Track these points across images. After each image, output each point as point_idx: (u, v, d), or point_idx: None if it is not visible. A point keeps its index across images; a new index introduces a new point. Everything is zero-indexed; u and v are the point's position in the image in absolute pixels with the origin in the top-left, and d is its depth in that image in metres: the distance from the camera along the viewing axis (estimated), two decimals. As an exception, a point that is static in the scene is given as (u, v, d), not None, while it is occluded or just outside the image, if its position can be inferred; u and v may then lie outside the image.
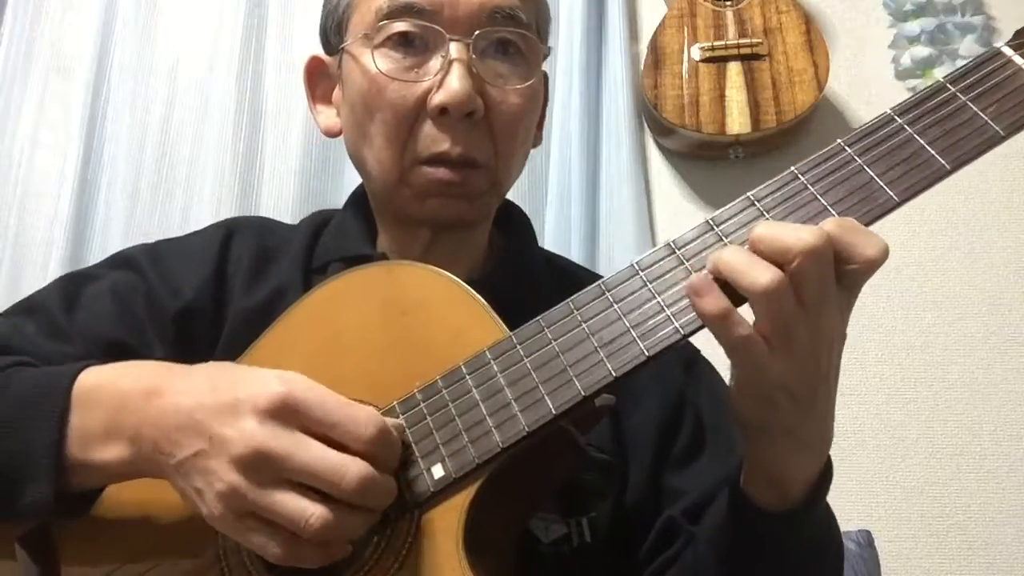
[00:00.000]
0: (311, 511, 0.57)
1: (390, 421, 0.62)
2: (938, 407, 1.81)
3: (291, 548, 0.58)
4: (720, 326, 0.58)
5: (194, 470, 0.59)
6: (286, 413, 0.58)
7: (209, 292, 0.86)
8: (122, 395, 0.64)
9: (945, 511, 1.77)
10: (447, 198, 0.82)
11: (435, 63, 0.80)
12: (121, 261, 0.90)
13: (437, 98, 0.79)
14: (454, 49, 0.79)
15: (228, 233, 0.91)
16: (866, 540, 1.54)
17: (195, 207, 1.87)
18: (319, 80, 0.92)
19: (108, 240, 1.85)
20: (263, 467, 0.57)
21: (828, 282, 0.58)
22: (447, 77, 0.79)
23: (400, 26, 0.81)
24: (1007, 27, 1.95)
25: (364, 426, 0.59)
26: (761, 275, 0.57)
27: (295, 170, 1.86)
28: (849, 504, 1.76)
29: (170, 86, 1.95)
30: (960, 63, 2.03)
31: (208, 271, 0.87)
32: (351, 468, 0.57)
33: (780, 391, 0.60)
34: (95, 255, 1.81)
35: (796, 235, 0.57)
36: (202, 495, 0.59)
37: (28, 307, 0.85)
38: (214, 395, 0.60)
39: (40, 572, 0.70)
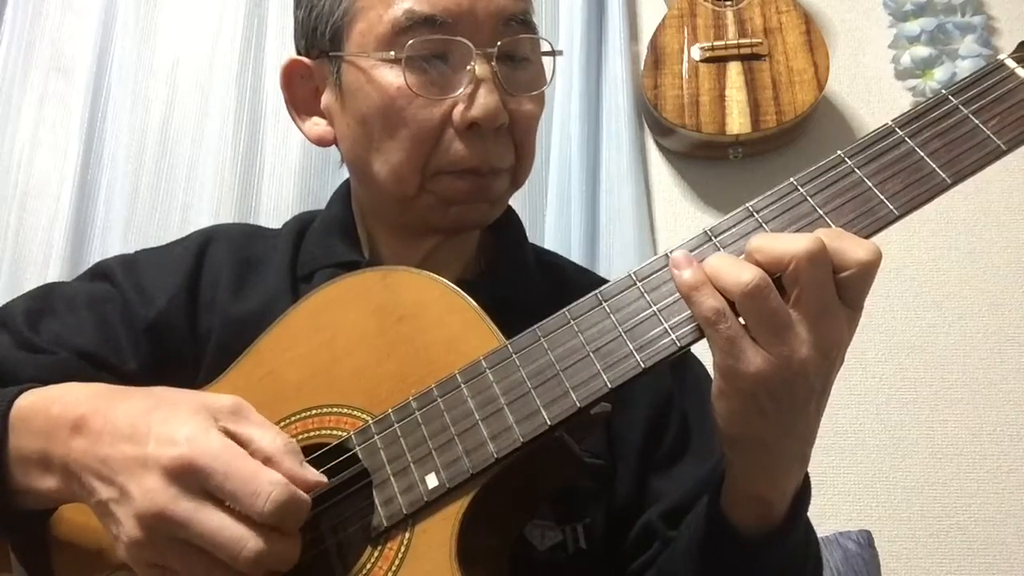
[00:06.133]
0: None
1: (311, 477, 0.61)
2: (938, 407, 1.81)
3: None
4: (711, 325, 0.58)
5: (107, 514, 0.61)
6: (188, 477, 0.58)
7: (180, 300, 0.85)
8: (51, 424, 0.64)
9: (945, 511, 1.77)
10: (471, 203, 0.82)
11: (461, 77, 0.79)
12: (97, 273, 0.90)
13: (471, 114, 0.78)
14: (480, 63, 0.78)
15: (205, 241, 0.91)
16: (866, 540, 1.54)
17: (195, 207, 1.86)
18: (299, 83, 0.88)
19: (108, 240, 1.85)
20: (162, 527, 0.58)
21: (827, 289, 0.57)
22: (477, 92, 0.78)
23: (425, 41, 0.78)
24: (1007, 27, 1.95)
25: (264, 501, 0.57)
26: (743, 273, 0.57)
27: (295, 170, 1.86)
28: (849, 504, 1.77)
29: (170, 86, 1.95)
30: (960, 63, 2.02)
31: (180, 280, 0.86)
32: (248, 544, 0.57)
33: (765, 396, 0.58)
34: (95, 255, 1.81)
35: (791, 242, 0.57)
36: (115, 537, 0.61)
37: (2, 318, 0.84)
38: (129, 443, 0.60)
39: None
